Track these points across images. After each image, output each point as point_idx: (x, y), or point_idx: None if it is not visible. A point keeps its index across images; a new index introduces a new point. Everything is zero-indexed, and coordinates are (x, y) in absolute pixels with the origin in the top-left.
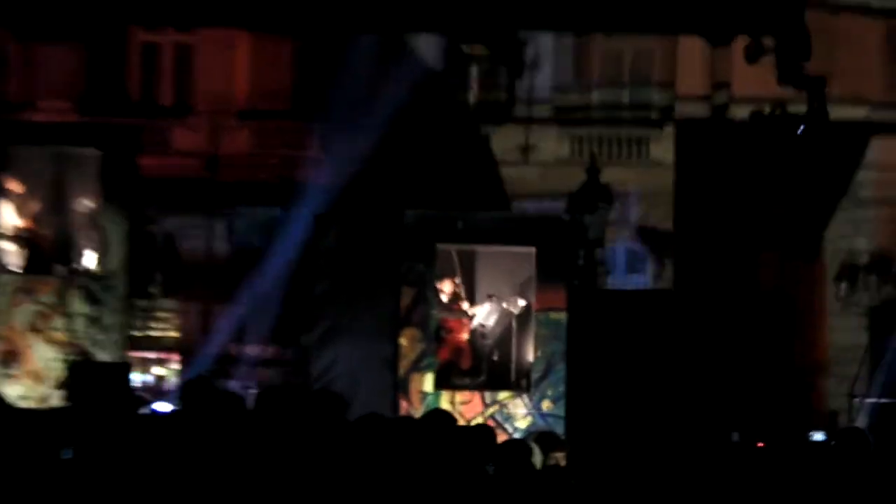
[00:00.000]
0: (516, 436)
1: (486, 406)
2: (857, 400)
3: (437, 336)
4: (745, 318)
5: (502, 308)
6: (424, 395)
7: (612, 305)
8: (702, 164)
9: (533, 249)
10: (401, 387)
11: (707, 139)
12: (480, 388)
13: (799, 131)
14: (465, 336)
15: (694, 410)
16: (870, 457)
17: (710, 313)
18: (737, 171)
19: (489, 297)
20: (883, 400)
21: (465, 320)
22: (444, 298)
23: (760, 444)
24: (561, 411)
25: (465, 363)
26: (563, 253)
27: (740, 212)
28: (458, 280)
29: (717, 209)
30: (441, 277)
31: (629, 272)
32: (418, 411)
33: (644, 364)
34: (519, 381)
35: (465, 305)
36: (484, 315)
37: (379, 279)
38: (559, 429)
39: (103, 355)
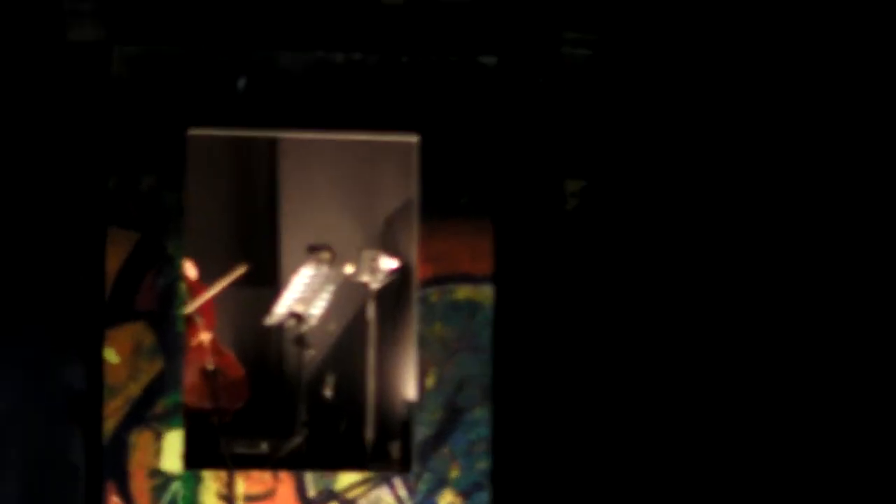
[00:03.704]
0: None
1: None
2: None
3: (188, 342)
4: None
5: (338, 275)
6: (163, 478)
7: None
8: None
9: (414, 139)
10: (109, 461)
11: None
12: (293, 462)
13: None
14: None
15: None
16: None
17: None
18: None
19: (312, 251)
20: None
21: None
22: None
23: None
24: None
25: (240, 399)
26: (485, 144)
27: None
28: None
29: None
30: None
31: None
32: None
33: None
34: (384, 447)
35: None
36: (299, 292)
37: (44, 209)
38: None
39: None
